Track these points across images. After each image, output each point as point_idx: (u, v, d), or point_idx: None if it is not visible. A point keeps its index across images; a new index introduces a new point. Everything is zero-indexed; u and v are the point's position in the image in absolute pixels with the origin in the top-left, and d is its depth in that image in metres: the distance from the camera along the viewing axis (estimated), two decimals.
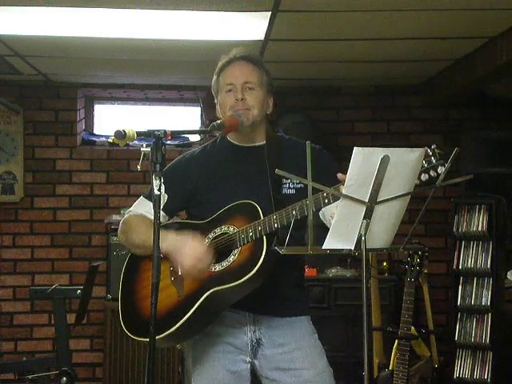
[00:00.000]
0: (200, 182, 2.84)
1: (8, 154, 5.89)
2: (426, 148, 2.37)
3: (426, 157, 2.36)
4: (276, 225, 2.57)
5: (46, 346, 5.81)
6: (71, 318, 4.61)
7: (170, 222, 2.90)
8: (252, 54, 2.92)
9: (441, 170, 2.34)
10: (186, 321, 2.62)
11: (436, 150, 2.35)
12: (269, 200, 2.72)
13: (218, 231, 2.72)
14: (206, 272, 2.66)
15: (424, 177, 2.36)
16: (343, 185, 2.33)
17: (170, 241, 2.66)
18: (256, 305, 2.75)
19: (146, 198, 2.88)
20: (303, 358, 2.79)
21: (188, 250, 2.63)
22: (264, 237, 2.59)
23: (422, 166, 2.36)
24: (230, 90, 2.80)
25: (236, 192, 2.75)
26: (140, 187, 5.82)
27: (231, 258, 2.64)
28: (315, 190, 2.40)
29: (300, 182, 2.73)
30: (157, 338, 2.56)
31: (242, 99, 2.77)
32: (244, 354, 2.81)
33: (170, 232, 2.72)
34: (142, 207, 2.87)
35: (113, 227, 5.43)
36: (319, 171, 2.38)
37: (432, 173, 2.36)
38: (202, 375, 2.82)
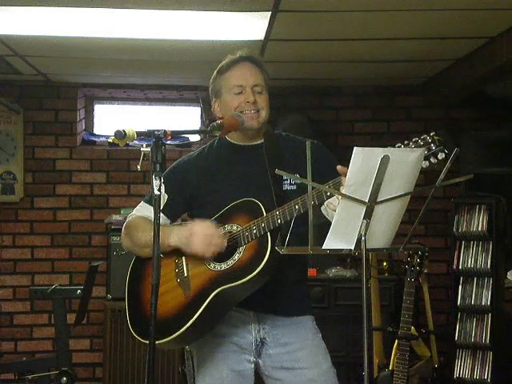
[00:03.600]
0: (200, 185, 2.85)
1: (8, 154, 5.89)
2: (425, 135, 2.38)
3: (426, 144, 2.37)
4: (279, 220, 2.58)
5: (46, 346, 5.81)
6: (71, 318, 4.61)
7: (172, 225, 2.90)
8: (256, 55, 2.93)
9: (441, 156, 2.36)
10: (194, 321, 2.62)
11: (435, 137, 2.36)
12: (270, 197, 2.73)
13: (221, 230, 2.72)
14: (212, 271, 2.66)
15: (424, 163, 2.36)
16: (344, 177, 2.34)
17: (177, 233, 2.68)
18: (260, 304, 2.75)
19: (146, 202, 2.89)
20: (307, 358, 2.80)
21: (197, 233, 2.64)
22: (268, 233, 2.60)
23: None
24: (239, 92, 2.81)
25: (237, 191, 2.76)
26: (140, 187, 5.83)
27: (236, 256, 2.65)
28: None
29: None
30: (166, 340, 2.60)
31: (254, 102, 2.79)
32: (248, 354, 2.81)
33: (173, 226, 2.72)
34: (143, 211, 2.87)
35: (113, 227, 5.43)
36: (319, 165, 2.39)
37: (432, 159, 2.37)
38: (206, 374, 2.81)
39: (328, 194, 2.47)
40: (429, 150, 2.36)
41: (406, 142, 2.41)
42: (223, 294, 2.62)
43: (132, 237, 2.84)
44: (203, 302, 2.62)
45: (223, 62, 2.89)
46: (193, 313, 2.63)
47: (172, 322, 2.64)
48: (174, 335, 2.63)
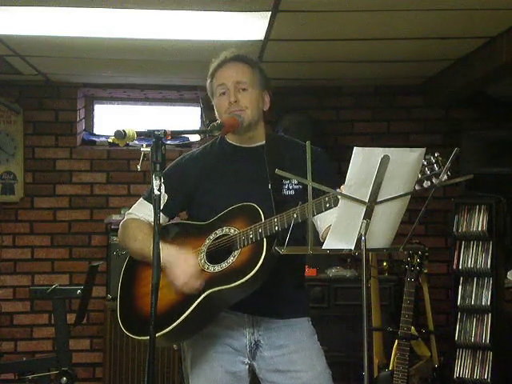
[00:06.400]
0: (199, 183, 2.84)
1: (8, 153, 5.89)
2: (430, 155, 2.36)
3: (429, 164, 2.35)
4: (277, 227, 2.56)
5: (46, 345, 5.81)
6: (71, 318, 4.61)
7: (170, 223, 2.90)
8: (242, 54, 2.89)
9: (444, 177, 2.34)
10: (183, 320, 2.62)
11: (439, 158, 2.34)
12: (269, 201, 2.72)
13: (218, 232, 2.72)
14: (206, 273, 2.66)
15: (426, 184, 2.35)
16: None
17: (167, 256, 2.65)
18: (255, 306, 2.74)
19: (145, 199, 2.88)
20: (302, 360, 2.78)
21: (180, 270, 2.64)
22: (264, 239, 2.58)
23: (425, 173, 2.35)
24: (223, 93, 2.80)
25: (235, 193, 2.75)
26: (140, 187, 5.82)
27: (230, 260, 2.64)
28: (315, 192, 2.40)
29: (299, 184, 2.74)
30: None
31: (236, 101, 2.77)
32: (242, 356, 2.80)
33: (169, 245, 2.71)
34: (142, 209, 2.86)
35: (113, 227, 5.43)
36: (317, 173, 2.37)
37: (434, 180, 2.34)
38: (200, 376, 2.81)
39: (328, 205, 2.45)
40: (432, 170, 2.34)
41: None
42: (214, 295, 2.61)
43: (125, 241, 2.88)
44: (193, 302, 2.62)
45: (211, 67, 2.87)
46: (182, 312, 2.63)
47: (161, 320, 2.62)
48: (162, 332, 2.62)
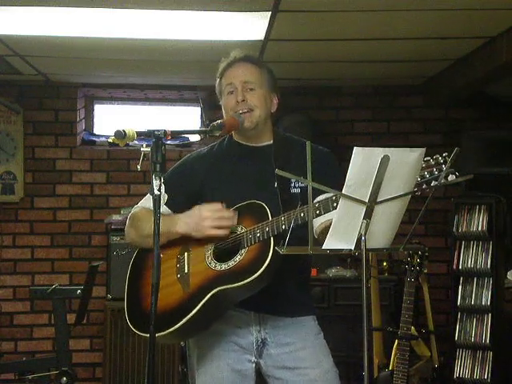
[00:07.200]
0: (205, 181, 2.85)
1: (8, 153, 5.89)
2: (437, 155, 2.36)
3: (437, 165, 2.34)
4: (284, 226, 2.56)
5: (46, 345, 5.81)
6: (71, 318, 4.61)
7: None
8: (251, 55, 2.92)
9: (451, 177, 2.34)
10: (190, 318, 2.62)
11: (447, 158, 2.34)
12: (275, 199, 2.72)
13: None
14: (213, 271, 2.66)
15: (434, 183, 2.35)
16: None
17: (185, 220, 2.68)
18: (262, 304, 2.75)
19: (151, 194, 2.88)
20: (309, 357, 2.79)
21: (207, 217, 2.65)
22: (271, 238, 2.59)
23: (432, 174, 2.35)
24: (231, 92, 2.81)
25: (242, 192, 2.76)
26: (140, 187, 5.82)
27: (238, 258, 2.64)
28: (317, 191, 2.40)
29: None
30: (161, 334, 2.59)
31: (243, 100, 2.78)
32: (249, 354, 2.81)
33: (179, 214, 2.72)
34: (148, 204, 2.84)
35: (113, 227, 5.44)
36: (318, 172, 2.36)
37: (443, 181, 2.35)
38: (206, 373, 2.81)
39: (335, 205, 2.44)
40: (439, 170, 2.34)
41: None
42: (221, 294, 2.61)
43: (137, 227, 2.84)
44: (200, 300, 2.62)
45: (220, 67, 2.89)
46: (189, 310, 2.63)
47: (168, 317, 2.63)
48: (169, 330, 2.63)
